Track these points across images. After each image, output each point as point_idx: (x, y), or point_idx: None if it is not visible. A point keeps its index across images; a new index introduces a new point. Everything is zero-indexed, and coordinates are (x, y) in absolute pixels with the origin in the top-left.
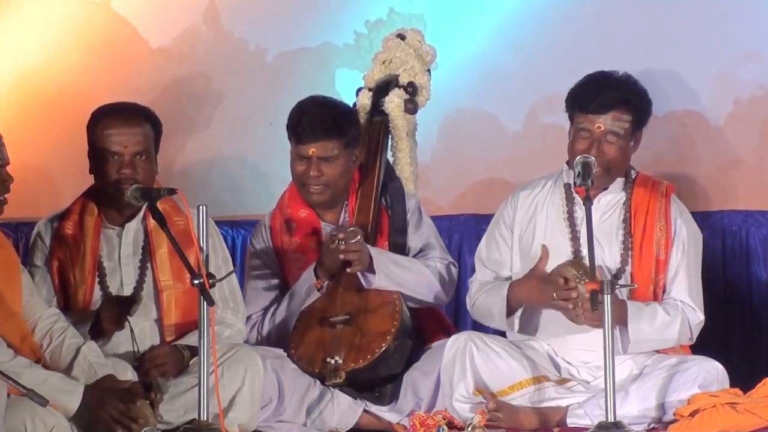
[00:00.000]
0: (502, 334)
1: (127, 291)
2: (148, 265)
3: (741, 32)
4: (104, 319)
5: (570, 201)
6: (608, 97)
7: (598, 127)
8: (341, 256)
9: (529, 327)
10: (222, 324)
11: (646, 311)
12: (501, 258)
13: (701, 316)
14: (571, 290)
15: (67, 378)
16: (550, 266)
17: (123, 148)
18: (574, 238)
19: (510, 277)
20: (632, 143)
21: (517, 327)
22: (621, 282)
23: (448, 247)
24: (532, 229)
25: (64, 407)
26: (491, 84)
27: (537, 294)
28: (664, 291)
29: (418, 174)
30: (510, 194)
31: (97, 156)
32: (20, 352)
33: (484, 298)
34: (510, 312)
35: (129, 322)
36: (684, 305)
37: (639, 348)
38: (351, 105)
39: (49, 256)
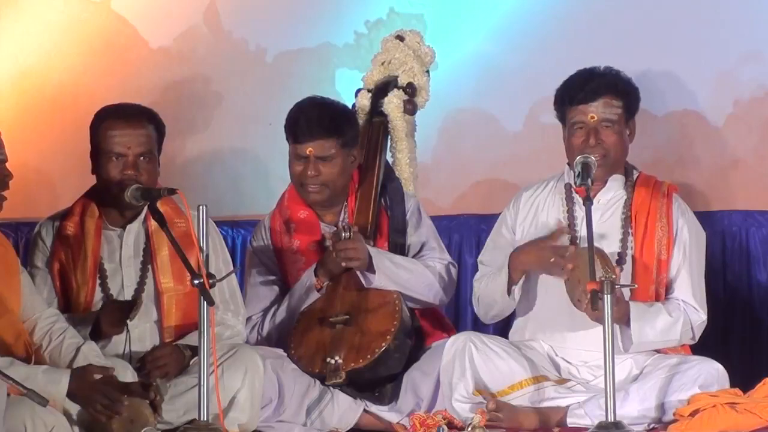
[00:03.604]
0: (502, 334)
1: (128, 293)
2: (149, 267)
3: (741, 32)
4: (105, 322)
5: (570, 201)
6: (595, 84)
7: (591, 117)
8: (334, 255)
9: (525, 305)
10: (222, 325)
11: (649, 312)
12: (503, 260)
13: (703, 317)
14: (566, 250)
15: (51, 368)
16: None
17: (126, 149)
18: (574, 238)
19: None
20: (628, 132)
21: (517, 296)
22: (621, 282)
23: (448, 247)
24: (534, 230)
25: (53, 398)
26: (491, 84)
27: (535, 255)
28: (666, 290)
29: (417, 174)
30: (512, 196)
31: (100, 157)
32: (14, 350)
33: (486, 283)
34: (510, 286)
35: (128, 326)
36: (686, 305)
37: (641, 348)
38: (350, 106)
39: (50, 258)
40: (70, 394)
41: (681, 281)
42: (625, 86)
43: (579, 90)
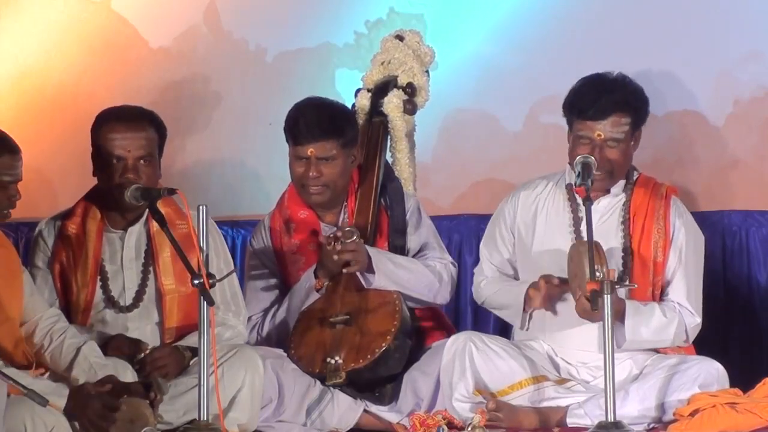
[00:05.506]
0: (502, 333)
1: (130, 294)
2: (151, 269)
3: (741, 32)
4: (111, 355)
5: (573, 201)
6: (606, 102)
7: (598, 135)
8: (335, 257)
9: (535, 326)
10: (223, 326)
11: (643, 311)
12: (502, 257)
13: (698, 320)
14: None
15: (53, 384)
16: (548, 264)
17: (126, 152)
18: (576, 239)
19: (513, 274)
20: (632, 143)
21: (527, 326)
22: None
23: (448, 247)
24: (533, 229)
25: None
26: (491, 84)
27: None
28: (661, 293)
29: (416, 174)
30: (510, 193)
31: (101, 159)
32: (13, 357)
33: (499, 296)
34: (524, 318)
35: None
36: (681, 308)
37: (633, 346)
38: (350, 106)
39: (51, 258)
40: (67, 412)
41: (677, 284)
42: (635, 102)
43: (589, 106)
